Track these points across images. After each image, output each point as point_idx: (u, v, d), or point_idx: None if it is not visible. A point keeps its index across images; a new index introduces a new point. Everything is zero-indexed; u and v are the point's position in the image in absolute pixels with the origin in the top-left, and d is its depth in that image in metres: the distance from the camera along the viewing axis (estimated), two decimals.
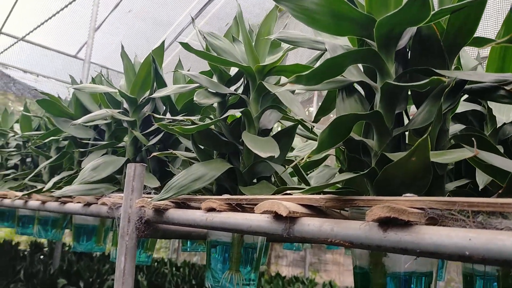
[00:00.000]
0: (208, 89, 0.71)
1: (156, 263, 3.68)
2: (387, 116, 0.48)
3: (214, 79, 0.76)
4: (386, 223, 0.38)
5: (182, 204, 0.69)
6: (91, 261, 3.89)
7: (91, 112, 1.12)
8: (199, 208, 0.70)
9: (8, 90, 6.23)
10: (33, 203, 1.12)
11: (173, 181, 0.65)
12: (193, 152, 0.82)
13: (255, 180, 0.70)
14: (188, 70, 0.88)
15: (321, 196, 0.46)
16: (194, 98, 0.66)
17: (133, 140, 0.91)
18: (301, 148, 0.96)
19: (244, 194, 0.61)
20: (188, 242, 1.31)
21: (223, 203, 0.57)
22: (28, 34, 5.22)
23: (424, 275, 0.46)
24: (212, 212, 0.58)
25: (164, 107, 0.93)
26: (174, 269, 3.67)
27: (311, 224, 0.44)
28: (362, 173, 0.45)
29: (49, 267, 3.33)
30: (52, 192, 1.04)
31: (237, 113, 0.68)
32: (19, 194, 1.15)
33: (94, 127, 1.14)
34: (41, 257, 3.83)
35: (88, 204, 0.88)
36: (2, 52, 5.51)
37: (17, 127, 1.62)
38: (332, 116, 0.81)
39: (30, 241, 4.37)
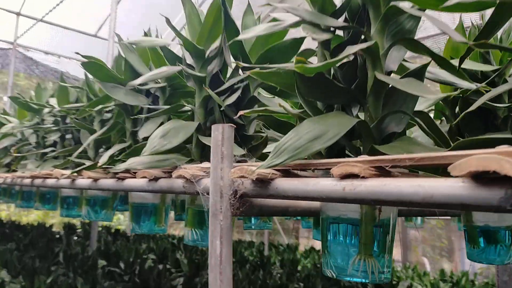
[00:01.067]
0: (312, 23, 0.55)
1: None
2: None
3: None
4: None
5: (290, 172, 0.54)
6: (127, 241, 3.85)
7: (142, 75, 0.98)
8: (307, 176, 0.55)
9: (32, 73, 6.18)
10: (83, 181, 0.99)
11: (283, 143, 0.49)
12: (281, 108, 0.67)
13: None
14: None
15: None
16: (303, 32, 0.50)
17: (203, 101, 0.75)
18: None
19: (384, 154, 0.45)
20: (252, 219, 1.17)
21: (368, 166, 0.42)
22: (48, 14, 5.10)
23: None
24: (352, 179, 0.43)
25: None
26: None
27: None
28: None
29: (87, 248, 3.29)
30: (110, 167, 0.91)
31: (353, 51, 0.52)
32: (67, 172, 1.02)
33: (146, 93, 0.99)
34: (76, 238, 3.81)
35: (155, 179, 0.74)
36: (22, 35, 5.43)
37: (52, 102, 1.49)
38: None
39: (63, 223, 4.35)
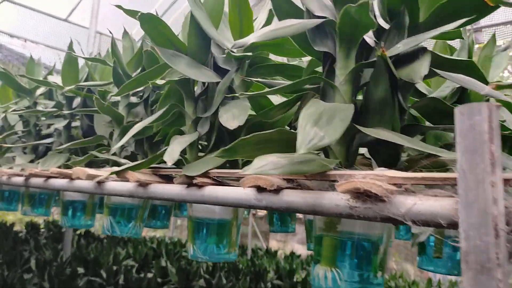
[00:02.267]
0: None
1: (170, 245, 3.29)
2: None
3: None
4: None
5: None
6: (101, 244, 3.49)
7: (211, 39, 0.70)
8: None
9: None
10: (120, 185, 0.71)
11: None
12: None
13: None
14: None
15: None
16: None
17: (352, 73, 0.49)
18: None
19: None
20: (276, 222, 1.14)
21: None
22: None
23: None
24: None
25: (390, 17, 0.52)
26: None
27: None
28: None
29: (60, 253, 2.93)
30: (157, 167, 0.63)
31: None
32: (101, 173, 0.72)
33: (214, 66, 0.72)
34: (44, 240, 3.43)
35: (277, 190, 0.47)
36: None
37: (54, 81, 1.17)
38: None
39: (25, 222, 3.94)
